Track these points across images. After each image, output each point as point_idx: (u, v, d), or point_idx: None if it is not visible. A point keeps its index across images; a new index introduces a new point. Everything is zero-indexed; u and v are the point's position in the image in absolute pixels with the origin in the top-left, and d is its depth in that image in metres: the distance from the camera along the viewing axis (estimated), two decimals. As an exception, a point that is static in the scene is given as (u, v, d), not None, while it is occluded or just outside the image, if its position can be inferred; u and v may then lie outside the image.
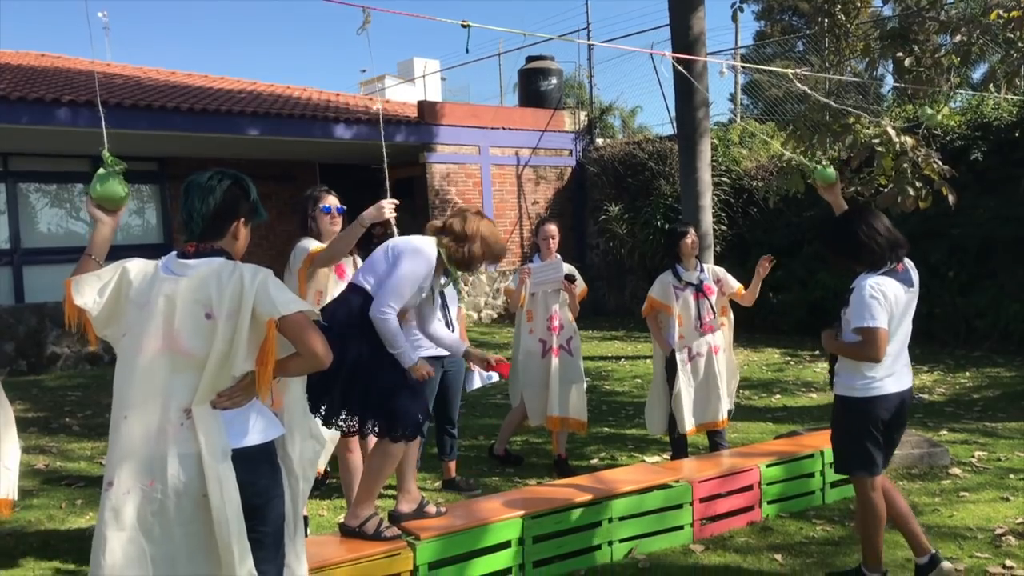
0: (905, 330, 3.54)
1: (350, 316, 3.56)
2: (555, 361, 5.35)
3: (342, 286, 4.27)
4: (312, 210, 4.30)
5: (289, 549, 2.62)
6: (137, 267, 2.49)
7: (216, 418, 2.39)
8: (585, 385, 5.55)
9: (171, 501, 2.33)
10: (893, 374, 3.50)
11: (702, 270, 5.35)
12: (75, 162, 12.23)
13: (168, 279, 2.43)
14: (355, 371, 3.49)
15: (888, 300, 3.39)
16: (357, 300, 3.60)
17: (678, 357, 5.25)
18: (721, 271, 5.47)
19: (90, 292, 2.44)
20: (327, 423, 3.55)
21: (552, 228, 5.55)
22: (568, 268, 5.51)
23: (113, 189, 2.66)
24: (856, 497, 3.66)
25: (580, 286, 5.50)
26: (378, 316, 3.51)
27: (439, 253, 3.68)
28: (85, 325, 2.46)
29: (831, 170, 4.18)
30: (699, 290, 5.26)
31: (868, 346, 3.38)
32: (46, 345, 10.71)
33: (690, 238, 5.24)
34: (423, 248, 3.65)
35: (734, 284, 5.41)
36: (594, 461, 5.77)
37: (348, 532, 3.58)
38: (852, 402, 3.51)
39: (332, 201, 4.30)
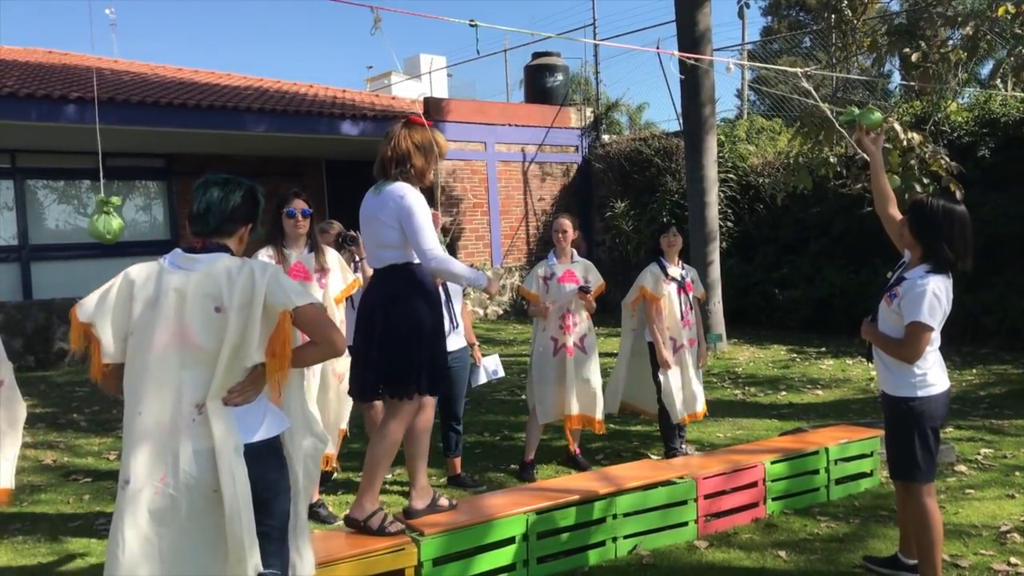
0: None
1: (379, 294, 3.62)
2: (569, 360, 5.34)
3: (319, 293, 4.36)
4: (278, 212, 4.35)
5: (291, 545, 2.64)
6: (138, 269, 2.51)
7: (229, 413, 2.41)
8: (601, 382, 5.51)
9: (182, 496, 2.35)
10: (940, 369, 3.41)
11: (683, 268, 5.59)
12: (83, 159, 12.27)
13: (176, 273, 2.45)
14: (382, 342, 3.54)
15: (948, 301, 3.32)
16: (386, 277, 3.64)
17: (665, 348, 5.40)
18: (695, 273, 5.76)
19: (90, 303, 2.46)
20: (371, 399, 3.75)
21: (564, 222, 5.50)
22: (585, 264, 5.51)
23: (106, 227, 2.80)
24: (909, 506, 3.47)
25: (596, 283, 5.49)
26: (431, 264, 3.52)
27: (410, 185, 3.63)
28: (92, 347, 2.45)
29: (877, 114, 3.99)
30: (681, 286, 5.49)
31: (912, 343, 3.28)
32: (54, 341, 10.76)
33: (668, 236, 5.48)
34: (404, 189, 3.58)
35: (700, 289, 5.75)
36: (599, 457, 5.78)
37: (353, 524, 3.59)
38: (912, 402, 3.34)
39: (298, 204, 4.34)
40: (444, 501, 3.83)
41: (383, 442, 3.61)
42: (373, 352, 3.55)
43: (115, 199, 3.42)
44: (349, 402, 4.56)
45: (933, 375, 3.38)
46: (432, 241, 3.54)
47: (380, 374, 3.56)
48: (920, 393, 3.35)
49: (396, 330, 3.53)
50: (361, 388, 3.66)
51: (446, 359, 3.79)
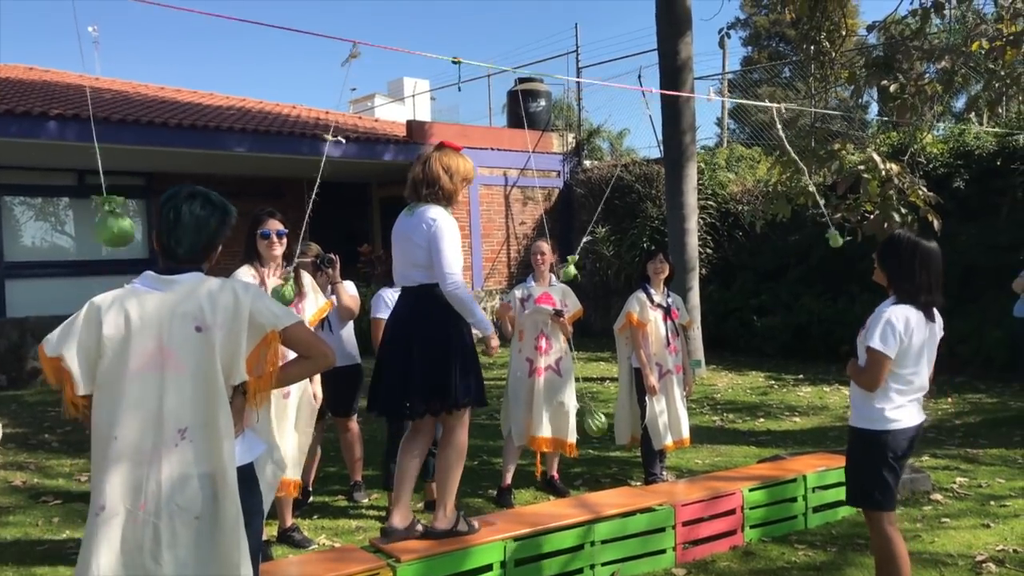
0: (924, 364, 3.41)
1: (412, 312, 3.75)
2: (540, 381, 5.33)
3: None
4: (252, 233, 4.31)
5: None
6: (103, 296, 2.40)
7: (217, 436, 2.33)
8: (577, 407, 5.48)
9: (163, 523, 2.27)
10: (905, 406, 3.37)
11: (668, 295, 5.64)
12: (61, 176, 12.16)
13: (150, 294, 2.37)
14: (423, 359, 3.67)
15: (906, 331, 3.30)
16: (411, 296, 3.78)
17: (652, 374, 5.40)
18: (680, 301, 5.83)
19: (55, 335, 2.34)
20: (413, 417, 3.78)
21: (542, 244, 5.53)
22: (564, 289, 5.52)
23: (121, 228, 2.79)
24: (872, 535, 3.50)
25: (573, 308, 5.51)
26: (450, 290, 3.66)
27: (442, 207, 3.84)
28: (64, 381, 2.32)
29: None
30: (667, 313, 5.54)
31: (867, 369, 3.31)
32: (27, 360, 10.60)
33: (655, 262, 5.57)
34: (437, 211, 3.78)
35: (685, 317, 5.84)
36: (577, 483, 5.75)
37: (437, 535, 3.71)
38: (869, 434, 3.38)
39: (272, 225, 4.29)
40: (419, 527, 3.81)
41: (451, 449, 3.81)
42: (415, 371, 3.67)
43: (118, 199, 3.10)
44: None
45: (896, 412, 3.36)
46: (455, 267, 3.69)
47: (428, 392, 3.68)
48: (877, 427, 3.36)
49: (439, 346, 3.68)
50: (398, 407, 3.76)
51: (480, 373, 3.92)
